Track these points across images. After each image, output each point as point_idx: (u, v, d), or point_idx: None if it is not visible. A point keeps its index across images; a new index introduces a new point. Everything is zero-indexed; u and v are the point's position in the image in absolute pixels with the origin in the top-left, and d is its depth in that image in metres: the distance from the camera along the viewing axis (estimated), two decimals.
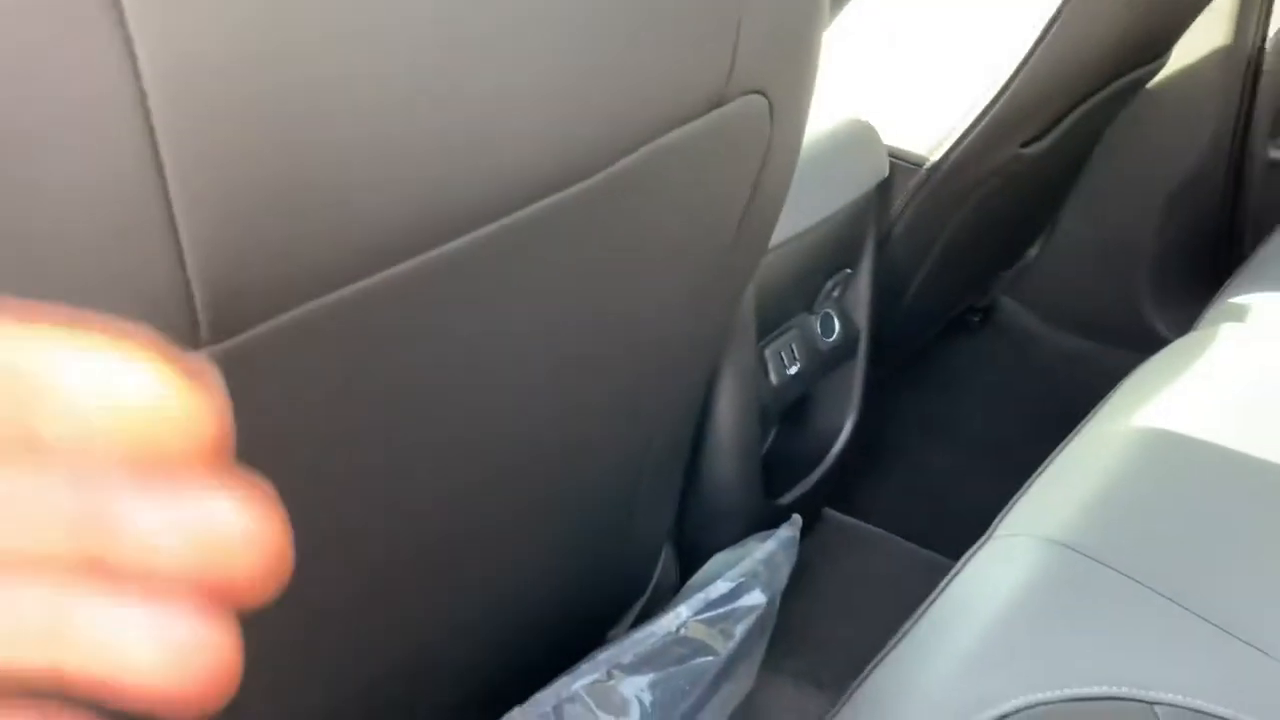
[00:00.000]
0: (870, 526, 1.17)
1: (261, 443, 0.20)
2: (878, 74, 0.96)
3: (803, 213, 0.87)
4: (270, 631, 0.22)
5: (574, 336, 0.56)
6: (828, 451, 1.05)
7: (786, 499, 1.01)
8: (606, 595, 0.85)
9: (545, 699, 0.69)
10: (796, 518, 0.96)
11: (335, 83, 0.34)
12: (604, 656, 0.74)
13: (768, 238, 0.68)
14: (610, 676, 0.72)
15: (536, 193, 0.45)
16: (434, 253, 0.42)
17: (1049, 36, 0.86)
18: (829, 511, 1.18)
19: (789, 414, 1.06)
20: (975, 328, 1.53)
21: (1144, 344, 0.96)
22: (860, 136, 0.92)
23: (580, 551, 0.78)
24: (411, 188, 0.39)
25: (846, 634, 1.03)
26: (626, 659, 0.75)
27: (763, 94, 0.54)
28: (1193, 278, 1.43)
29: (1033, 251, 1.46)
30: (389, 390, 0.46)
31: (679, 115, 0.48)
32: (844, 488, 1.24)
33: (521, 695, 0.74)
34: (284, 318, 0.37)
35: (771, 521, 0.96)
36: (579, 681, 0.71)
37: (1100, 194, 1.42)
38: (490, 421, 0.55)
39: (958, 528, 0.86)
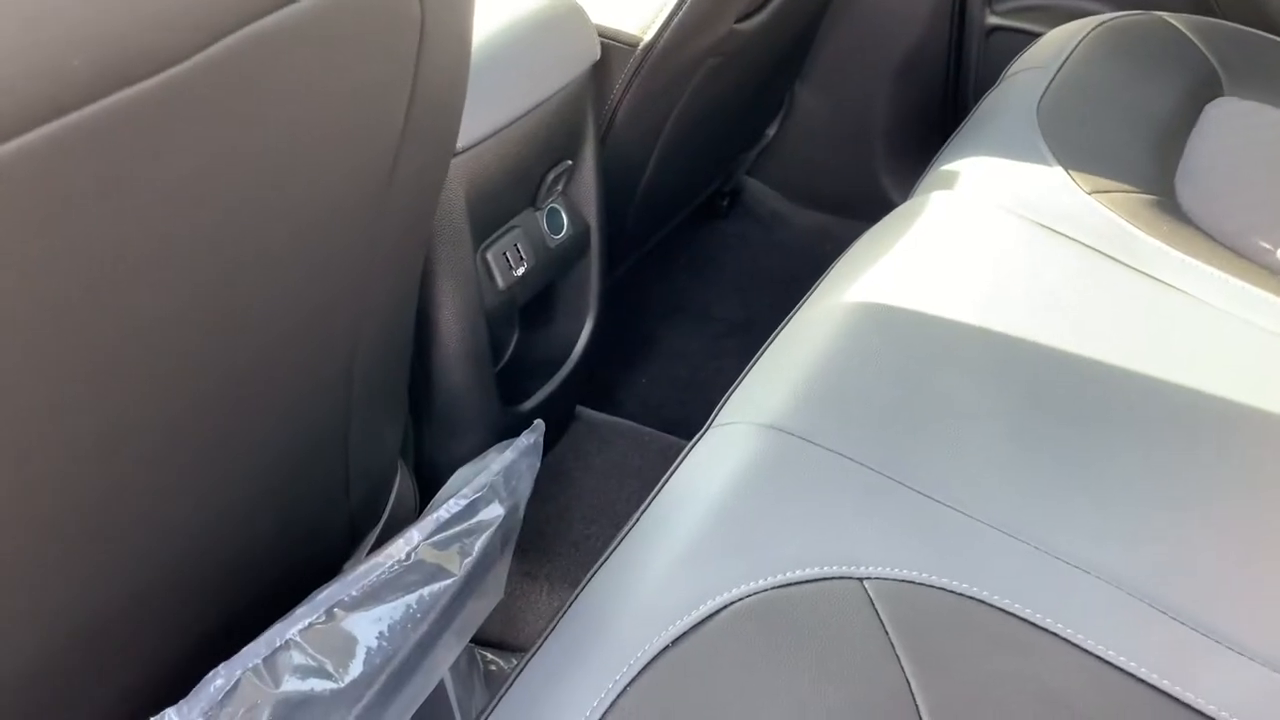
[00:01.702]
0: (624, 421, 1.16)
1: None
2: None
3: (509, 102, 0.81)
4: None
5: (236, 239, 0.51)
6: (570, 351, 1.02)
7: (530, 404, 0.98)
8: (334, 527, 0.80)
9: (254, 650, 0.64)
10: (539, 423, 0.93)
11: None
12: (324, 596, 0.69)
13: (451, 133, 0.63)
14: (331, 616, 0.68)
15: (113, 82, 0.39)
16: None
17: None
18: (583, 410, 1.16)
19: (531, 317, 1.02)
20: (724, 211, 1.54)
21: (884, 214, 0.97)
22: (567, 17, 0.86)
23: (294, 482, 0.72)
24: None
25: (601, 532, 1.03)
26: (350, 595, 0.70)
27: None
28: (924, 145, 1.47)
29: (771, 131, 1.46)
30: (50, 296, 0.42)
31: None
32: (596, 384, 1.22)
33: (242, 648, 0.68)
34: None
35: (517, 430, 0.93)
36: (295, 627, 0.66)
37: (832, 69, 1.43)
38: (170, 334, 0.51)
39: (709, 413, 0.85)
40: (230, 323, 0.55)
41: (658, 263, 1.43)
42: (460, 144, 0.76)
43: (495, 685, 0.93)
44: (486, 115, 0.78)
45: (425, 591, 0.73)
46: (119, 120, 0.40)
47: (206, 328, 0.54)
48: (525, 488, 0.88)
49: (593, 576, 0.63)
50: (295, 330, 0.61)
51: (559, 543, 1.02)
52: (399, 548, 0.75)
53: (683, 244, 1.47)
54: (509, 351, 1.00)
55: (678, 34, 0.90)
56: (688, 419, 1.25)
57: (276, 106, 0.47)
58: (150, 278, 0.48)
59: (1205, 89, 1.03)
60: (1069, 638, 0.57)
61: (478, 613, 0.82)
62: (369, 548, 0.86)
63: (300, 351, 0.63)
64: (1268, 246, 0.89)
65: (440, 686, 0.83)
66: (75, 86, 0.38)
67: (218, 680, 0.62)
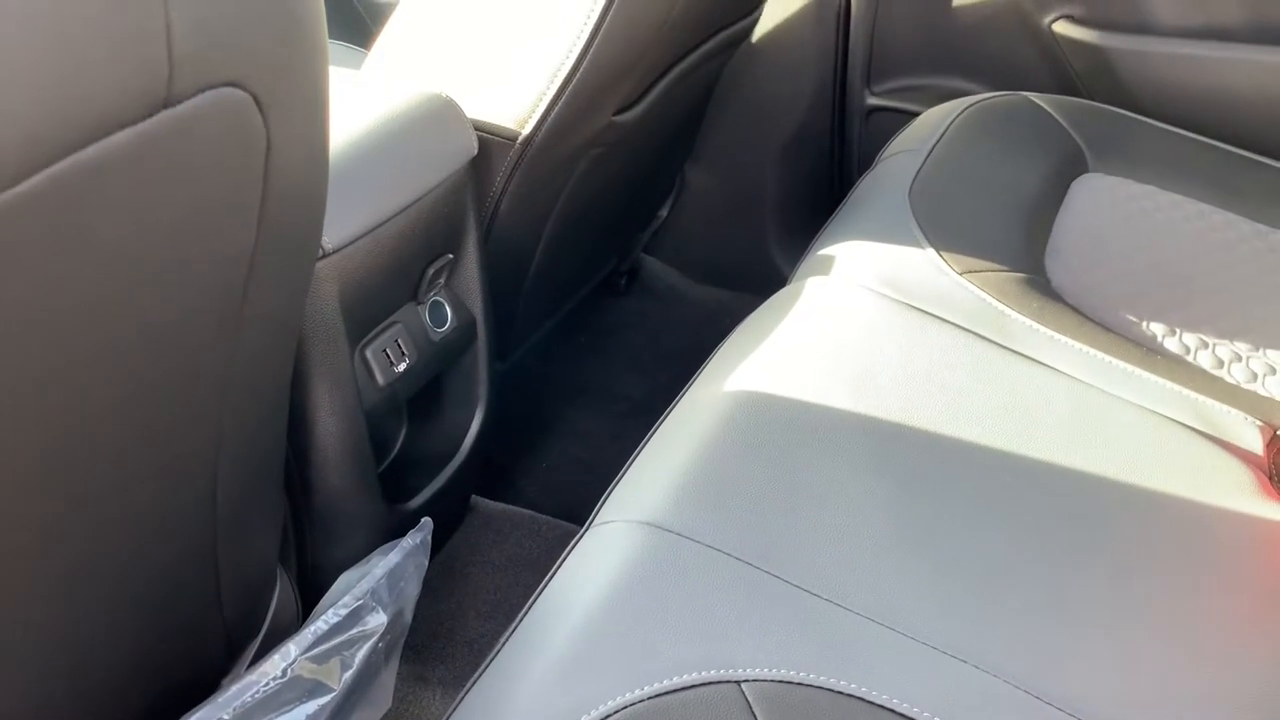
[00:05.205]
0: (520, 510, 1.14)
1: None
2: (455, 47, 0.91)
3: (382, 200, 0.81)
4: None
5: (75, 360, 0.49)
6: (461, 443, 1.01)
7: (418, 501, 0.96)
8: (209, 642, 0.76)
9: None
10: (425, 521, 0.92)
11: None
12: None
13: (310, 240, 0.62)
14: None
15: None
16: None
17: (615, 3, 0.84)
18: (479, 500, 1.14)
19: (419, 410, 1.01)
20: (622, 289, 1.54)
21: (777, 288, 0.97)
22: (442, 113, 0.86)
23: (162, 597, 0.69)
24: None
25: (496, 629, 1.00)
26: (222, 718, 0.67)
27: (239, 86, 0.47)
28: (813, 221, 1.50)
29: (665, 211, 1.48)
30: None
31: (107, 123, 0.41)
32: (495, 470, 1.21)
33: None
34: None
35: (406, 529, 0.91)
36: None
37: (721, 149, 1.45)
38: (11, 455, 0.48)
39: None
40: (76, 440, 0.53)
41: (558, 342, 1.42)
42: (330, 244, 0.75)
43: None
44: (358, 214, 0.78)
45: (302, 710, 0.71)
46: None
47: (51, 446, 0.52)
48: (412, 589, 0.86)
49: (471, 688, 0.61)
50: (149, 444, 0.58)
51: (453, 643, 0.99)
52: (275, 663, 0.72)
53: (583, 323, 1.47)
54: (396, 447, 0.98)
55: (556, 127, 0.90)
56: (589, 503, 1.24)
57: (112, 229, 0.46)
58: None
59: (1071, 166, 1.07)
60: None
61: None
62: (249, 661, 0.82)
63: (157, 464, 0.60)
64: (1134, 319, 0.92)
65: None
66: None
67: None
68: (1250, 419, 0.82)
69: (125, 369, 0.53)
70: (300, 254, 0.61)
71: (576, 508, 1.17)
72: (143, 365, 0.54)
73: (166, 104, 0.43)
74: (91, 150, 0.42)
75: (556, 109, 0.89)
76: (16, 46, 0.38)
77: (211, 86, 0.45)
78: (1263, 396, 0.86)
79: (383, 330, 0.87)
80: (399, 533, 0.90)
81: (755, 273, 1.47)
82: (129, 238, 0.47)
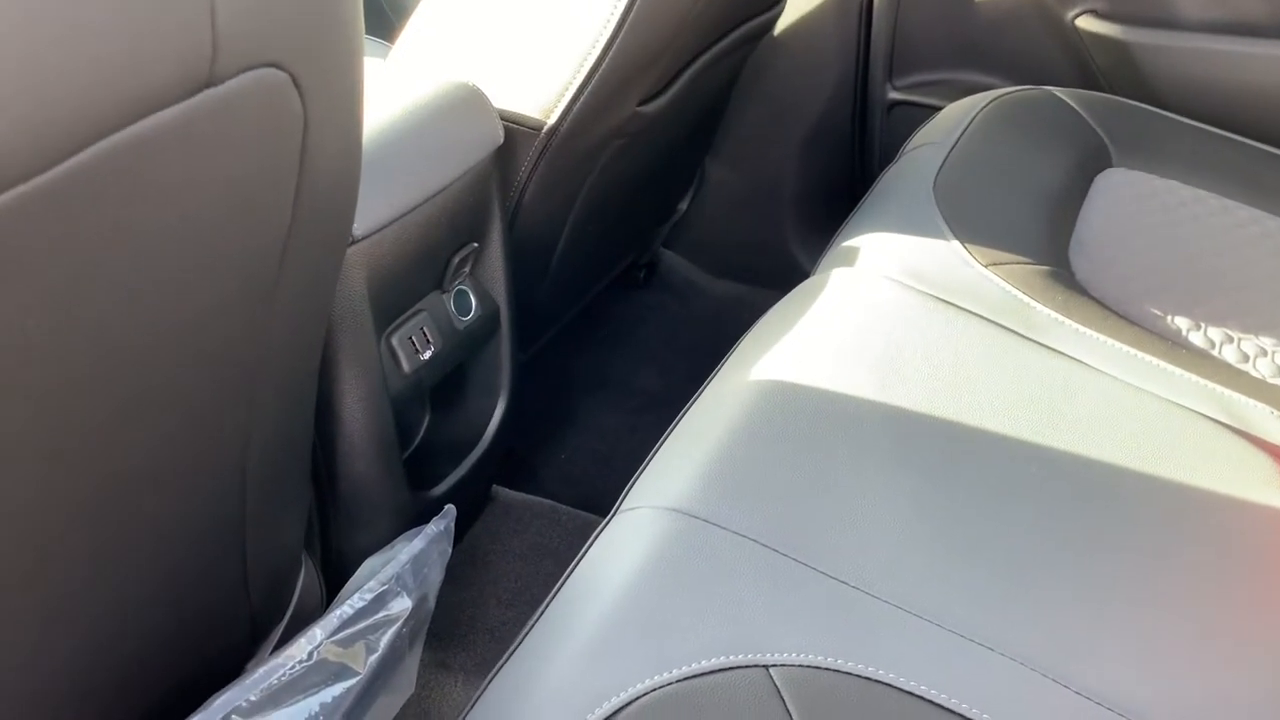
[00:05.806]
0: (540, 499, 1.14)
1: None
2: (481, 37, 0.92)
3: (410, 188, 0.81)
4: None
5: (111, 340, 0.50)
6: (483, 432, 1.01)
7: (441, 489, 0.96)
8: (234, 625, 0.77)
9: None
10: (449, 508, 0.92)
11: None
12: (220, 701, 0.67)
13: (343, 224, 0.62)
14: None
15: None
16: None
17: None
18: (499, 490, 1.15)
19: (442, 399, 1.01)
20: (641, 283, 1.54)
21: (797, 283, 0.97)
22: (468, 102, 0.87)
23: (188, 579, 0.70)
24: None
25: (518, 617, 1.01)
26: (249, 700, 0.68)
27: (279, 67, 0.47)
28: (833, 216, 1.50)
29: (684, 204, 1.48)
30: None
31: (150, 101, 0.41)
32: (515, 461, 1.21)
33: None
34: None
35: (429, 516, 0.91)
36: None
37: (741, 142, 1.45)
38: (41, 437, 0.49)
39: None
40: (107, 426, 0.53)
41: (577, 336, 1.43)
42: (359, 231, 0.76)
43: None
44: (386, 202, 0.78)
45: (328, 693, 0.71)
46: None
47: (82, 432, 0.52)
48: (436, 576, 0.86)
49: (498, 672, 0.61)
50: (179, 430, 0.59)
51: (474, 630, 0.99)
52: (300, 647, 0.73)
53: (601, 317, 1.48)
54: (419, 435, 0.98)
55: (581, 117, 0.90)
56: (606, 494, 1.24)
57: (152, 210, 0.46)
58: (16, 382, 0.46)
59: (1094, 161, 1.06)
60: (977, 719, 0.57)
61: (387, 709, 0.80)
62: (273, 645, 0.83)
63: (186, 450, 0.61)
64: (1159, 313, 0.92)
65: None
66: None
67: None
68: (1276, 413, 0.82)
69: (156, 355, 0.53)
70: (332, 239, 0.62)
71: (595, 499, 1.18)
72: (174, 351, 0.54)
73: (209, 84, 0.43)
74: (134, 129, 0.42)
75: (582, 99, 0.89)
76: (59, 25, 0.39)
77: (253, 67, 0.45)
78: None
79: (408, 318, 0.87)
80: (422, 520, 0.91)
81: (774, 267, 1.47)
82: (168, 218, 0.47)
